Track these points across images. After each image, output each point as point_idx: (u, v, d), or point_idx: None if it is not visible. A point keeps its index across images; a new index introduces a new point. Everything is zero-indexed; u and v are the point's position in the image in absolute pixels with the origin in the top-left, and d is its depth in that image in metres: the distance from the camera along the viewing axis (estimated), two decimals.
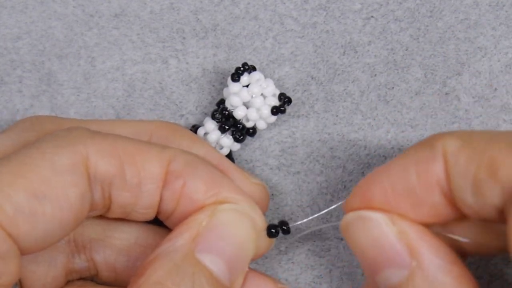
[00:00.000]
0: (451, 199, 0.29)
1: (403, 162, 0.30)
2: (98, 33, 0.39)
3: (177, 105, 0.38)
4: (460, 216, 0.29)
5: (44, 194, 0.28)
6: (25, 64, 0.39)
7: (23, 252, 0.29)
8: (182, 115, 0.38)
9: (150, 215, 0.32)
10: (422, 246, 0.29)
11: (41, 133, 0.33)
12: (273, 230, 0.32)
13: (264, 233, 0.32)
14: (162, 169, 0.31)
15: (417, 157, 0.29)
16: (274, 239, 0.33)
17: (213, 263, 0.29)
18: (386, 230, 0.30)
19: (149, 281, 0.29)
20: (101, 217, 0.33)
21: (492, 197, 0.27)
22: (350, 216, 0.31)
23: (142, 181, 0.31)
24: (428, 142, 0.29)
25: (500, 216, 0.27)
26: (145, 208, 0.31)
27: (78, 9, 0.40)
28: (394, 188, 0.30)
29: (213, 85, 0.39)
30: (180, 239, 0.30)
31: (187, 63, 0.39)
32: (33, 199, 0.28)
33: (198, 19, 0.39)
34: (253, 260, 0.33)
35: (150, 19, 0.39)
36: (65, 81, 0.39)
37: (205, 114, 0.38)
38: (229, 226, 0.31)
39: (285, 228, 0.33)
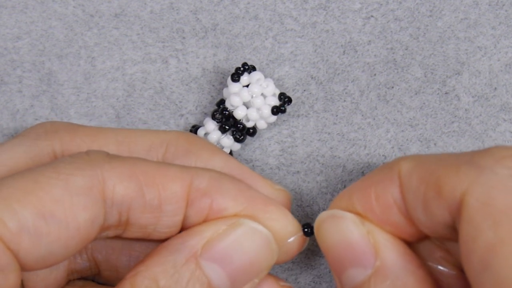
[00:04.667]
0: (410, 219, 0.29)
1: (364, 184, 0.31)
2: (98, 33, 0.39)
3: (177, 105, 0.38)
4: (425, 235, 0.30)
5: (52, 214, 0.28)
6: (25, 64, 0.39)
7: (24, 268, 0.28)
8: (182, 115, 0.38)
9: (172, 234, 0.32)
10: (387, 247, 0.30)
11: (55, 143, 0.33)
12: (307, 229, 0.32)
13: (298, 235, 0.32)
14: (184, 188, 0.30)
15: (376, 179, 0.30)
16: (306, 239, 0.33)
17: (215, 273, 0.29)
18: (354, 229, 0.30)
19: (144, 273, 0.29)
20: None
21: (441, 214, 0.28)
22: (323, 215, 0.31)
23: (163, 202, 0.30)
24: (388, 164, 0.30)
25: (453, 234, 0.28)
26: (167, 227, 0.31)
27: (78, 9, 0.40)
28: (359, 208, 0.30)
29: (213, 85, 0.39)
30: (191, 240, 0.30)
31: (187, 63, 0.39)
32: (40, 218, 0.27)
33: (198, 18, 0.39)
34: (281, 263, 0.33)
35: (150, 19, 0.39)
36: (65, 81, 0.39)
37: (205, 114, 0.38)
38: (244, 241, 0.30)
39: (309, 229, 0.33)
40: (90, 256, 0.33)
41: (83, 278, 0.34)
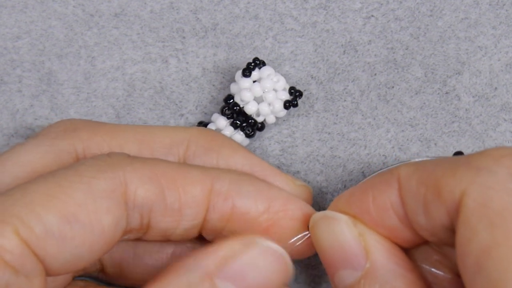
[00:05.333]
0: (407, 223, 0.29)
1: (363, 187, 0.31)
2: (98, 33, 0.39)
3: (177, 104, 0.38)
4: (422, 240, 0.30)
5: (76, 218, 0.28)
6: (24, 64, 0.39)
7: (49, 273, 0.28)
8: (182, 115, 0.38)
9: (192, 236, 0.32)
10: (378, 249, 0.30)
11: (76, 141, 0.32)
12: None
13: (302, 234, 0.32)
14: (204, 191, 0.30)
15: (375, 182, 0.30)
16: None
17: None
18: (346, 231, 0.30)
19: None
20: None
21: (440, 217, 0.28)
22: (317, 216, 0.31)
23: (183, 205, 0.30)
24: (388, 170, 0.30)
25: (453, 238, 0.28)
26: (186, 230, 0.31)
27: (78, 8, 0.40)
28: (356, 211, 0.30)
29: (213, 85, 0.39)
30: (205, 259, 0.29)
31: (187, 62, 0.39)
32: (65, 222, 0.27)
33: (198, 18, 0.39)
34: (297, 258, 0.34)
35: (150, 18, 0.39)
36: (65, 80, 0.39)
37: (205, 113, 0.38)
38: (260, 261, 0.30)
39: None
40: None
41: (87, 275, 0.34)
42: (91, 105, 0.38)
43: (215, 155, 0.33)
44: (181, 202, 0.30)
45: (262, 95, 0.36)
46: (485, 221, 0.25)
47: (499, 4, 0.39)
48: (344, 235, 0.30)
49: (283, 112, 0.37)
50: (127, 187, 0.29)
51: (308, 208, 0.32)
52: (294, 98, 0.37)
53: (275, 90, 0.36)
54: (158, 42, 0.39)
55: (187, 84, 0.39)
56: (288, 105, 0.36)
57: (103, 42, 0.39)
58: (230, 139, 0.35)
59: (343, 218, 0.30)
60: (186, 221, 0.30)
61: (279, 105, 0.36)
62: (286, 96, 0.36)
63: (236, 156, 0.33)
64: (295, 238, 0.32)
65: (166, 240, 0.32)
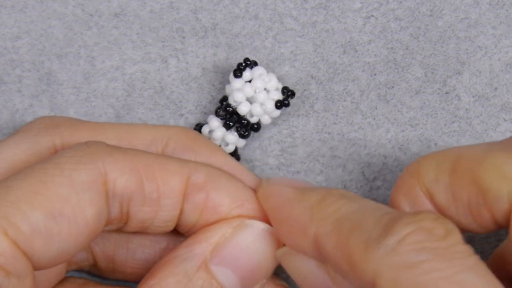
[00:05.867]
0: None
1: (286, 214, 0.31)
2: (98, 33, 0.39)
3: (176, 104, 0.38)
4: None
5: (61, 213, 0.28)
6: (24, 64, 0.39)
7: (36, 268, 0.28)
8: (182, 115, 0.38)
9: (169, 228, 0.32)
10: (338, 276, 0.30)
11: (56, 138, 0.33)
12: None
13: None
14: (182, 183, 0.31)
15: (295, 217, 0.30)
16: None
17: (226, 277, 0.29)
18: (307, 263, 0.30)
19: (160, 285, 0.29)
20: None
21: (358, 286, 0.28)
22: (280, 252, 0.31)
23: (161, 195, 0.30)
24: (309, 210, 0.30)
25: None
26: (164, 221, 0.31)
27: (77, 8, 0.40)
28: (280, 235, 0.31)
29: (213, 85, 0.39)
30: (198, 247, 0.30)
31: (186, 62, 0.39)
32: (50, 218, 0.28)
33: (198, 18, 0.39)
34: None
35: (149, 18, 0.39)
36: (65, 80, 0.39)
37: (205, 113, 0.38)
38: (251, 242, 0.30)
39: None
40: (87, 248, 0.33)
41: (80, 269, 0.34)
42: (91, 105, 0.38)
43: (193, 154, 0.33)
44: (160, 192, 0.30)
45: (253, 95, 0.36)
46: None
47: (499, 4, 0.39)
48: (308, 268, 0.31)
49: (276, 112, 0.36)
50: (107, 177, 0.29)
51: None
52: (285, 97, 0.36)
53: (266, 90, 0.36)
54: (158, 42, 0.39)
55: (187, 84, 0.39)
56: (279, 105, 0.36)
57: (102, 42, 0.39)
58: (210, 140, 0.35)
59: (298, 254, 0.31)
60: (164, 211, 0.31)
61: (271, 105, 0.36)
62: (279, 96, 0.36)
63: (214, 158, 0.34)
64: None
65: (145, 232, 0.32)
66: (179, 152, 0.33)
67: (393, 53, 0.39)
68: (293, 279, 0.31)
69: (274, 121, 0.38)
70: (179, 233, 0.33)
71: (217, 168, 0.32)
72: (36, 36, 0.39)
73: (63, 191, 0.28)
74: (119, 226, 0.31)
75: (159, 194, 0.30)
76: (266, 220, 0.32)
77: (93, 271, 0.34)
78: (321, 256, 0.29)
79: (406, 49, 0.39)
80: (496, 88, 0.38)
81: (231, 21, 0.39)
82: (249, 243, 0.30)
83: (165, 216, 0.31)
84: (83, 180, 0.29)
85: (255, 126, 0.36)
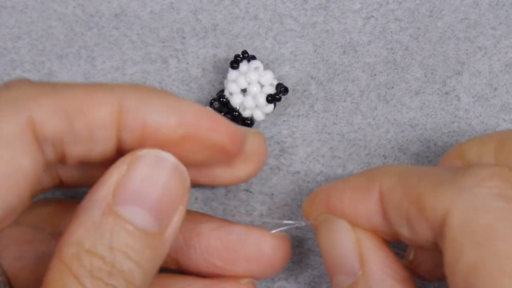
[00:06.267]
0: (387, 228, 0.30)
1: (343, 185, 0.31)
2: (98, 33, 0.39)
3: None
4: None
5: None
6: (25, 64, 0.39)
7: None
8: None
9: (109, 159, 0.30)
10: (371, 257, 0.30)
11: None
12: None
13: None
14: (112, 113, 0.29)
15: (354, 184, 0.31)
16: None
17: (135, 215, 0.28)
18: (345, 237, 0.30)
19: (68, 241, 0.27)
20: None
21: (424, 232, 0.28)
22: (321, 217, 0.31)
23: (92, 131, 0.29)
24: (369, 175, 0.30)
25: (437, 247, 0.28)
26: (102, 154, 0.30)
27: (78, 9, 0.40)
28: (331, 209, 0.31)
29: (213, 85, 0.39)
30: (99, 192, 0.28)
31: (187, 63, 0.39)
32: None
33: (198, 19, 0.39)
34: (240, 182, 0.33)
35: (150, 19, 0.39)
36: (65, 81, 0.39)
37: None
38: (149, 171, 0.29)
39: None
40: (50, 172, 0.32)
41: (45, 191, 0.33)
42: None
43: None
44: (90, 128, 0.29)
45: (247, 87, 0.36)
46: (471, 240, 0.26)
47: (498, 4, 0.39)
48: (341, 240, 0.30)
49: (269, 107, 0.36)
50: (34, 123, 0.28)
51: (222, 120, 0.30)
52: (277, 92, 0.36)
53: (260, 84, 0.36)
54: (158, 42, 0.39)
55: (187, 85, 0.39)
56: (270, 99, 0.36)
57: (103, 42, 0.39)
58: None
59: (343, 223, 0.31)
60: (99, 145, 0.29)
61: (263, 99, 0.36)
62: (272, 91, 0.36)
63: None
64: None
65: (87, 164, 0.30)
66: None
67: (393, 53, 0.39)
68: (321, 248, 0.31)
69: (274, 122, 0.38)
70: None
71: (148, 88, 0.30)
72: (36, 37, 0.39)
73: None
74: (58, 165, 0.30)
75: (90, 130, 0.29)
76: (202, 131, 0.30)
77: (61, 187, 0.33)
78: (384, 217, 0.29)
79: (406, 49, 0.39)
80: (495, 88, 0.38)
81: (231, 21, 0.39)
82: (146, 173, 0.29)
83: (102, 149, 0.29)
84: (12, 131, 0.27)
85: (248, 121, 0.36)
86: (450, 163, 0.31)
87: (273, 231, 0.34)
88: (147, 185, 0.28)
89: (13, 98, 0.28)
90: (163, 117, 0.29)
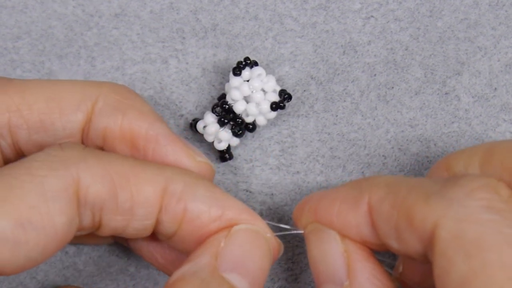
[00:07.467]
0: (375, 240, 0.30)
1: (332, 196, 0.31)
2: (98, 33, 0.39)
3: (176, 105, 0.38)
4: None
5: (30, 222, 0.27)
6: (25, 64, 0.39)
7: (1, 274, 0.28)
8: (182, 115, 0.38)
9: (144, 235, 0.31)
10: (359, 268, 0.30)
11: None
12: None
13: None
14: (158, 193, 0.30)
15: (343, 195, 0.31)
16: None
17: (239, 282, 0.29)
18: (334, 247, 0.30)
19: None
20: None
21: (413, 243, 0.28)
22: (311, 226, 0.31)
23: (135, 205, 0.29)
24: (358, 186, 0.30)
25: (427, 259, 0.28)
26: (138, 230, 0.30)
27: (78, 9, 0.40)
28: (322, 215, 0.31)
29: (213, 85, 0.39)
30: (202, 259, 0.29)
31: (187, 63, 0.39)
32: (18, 227, 0.27)
33: (198, 19, 0.39)
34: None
35: (150, 19, 0.39)
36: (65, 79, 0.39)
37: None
38: (247, 245, 0.30)
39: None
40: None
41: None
42: None
43: (120, 116, 0.32)
44: (133, 202, 0.29)
45: (250, 95, 0.36)
46: (461, 253, 0.26)
47: (498, 4, 0.39)
48: (330, 250, 0.31)
49: (272, 114, 0.36)
50: (79, 185, 0.28)
51: (260, 221, 0.31)
52: (282, 100, 0.36)
53: (264, 91, 0.36)
54: (158, 42, 0.39)
55: (187, 85, 0.39)
56: (274, 106, 0.36)
57: (103, 42, 0.39)
58: (142, 101, 0.33)
59: (332, 233, 0.31)
60: (138, 220, 0.30)
61: (267, 106, 0.36)
62: (275, 98, 0.36)
63: (141, 120, 0.32)
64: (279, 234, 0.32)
65: (119, 236, 0.31)
66: (107, 113, 0.32)
67: (393, 53, 0.39)
68: (310, 256, 0.31)
69: (274, 122, 0.38)
70: None
71: (195, 176, 0.31)
72: (36, 37, 0.39)
73: (33, 199, 0.27)
74: (91, 231, 0.30)
75: (133, 204, 0.29)
76: (250, 230, 0.31)
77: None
78: (373, 228, 0.29)
79: (406, 49, 0.39)
80: (495, 88, 0.38)
81: (231, 21, 0.39)
82: (245, 245, 0.30)
83: (139, 225, 0.30)
84: (55, 188, 0.28)
85: (250, 126, 0.36)
86: (437, 176, 0.31)
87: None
88: (246, 256, 0.30)
89: (64, 157, 0.28)
90: (205, 207, 0.30)
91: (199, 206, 0.30)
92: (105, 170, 0.29)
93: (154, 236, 0.32)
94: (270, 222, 0.36)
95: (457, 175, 0.29)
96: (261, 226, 0.31)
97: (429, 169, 0.32)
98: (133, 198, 0.29)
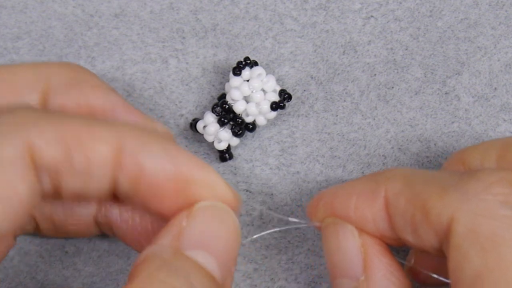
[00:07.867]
0: (391, 233, 0.30)
1: (348, 189, 0.31)
2: (98, 33, 0.39)
3: (176, 105, 0.38)
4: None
5: None
6: None
7: None
8: (182, 115, 0.38)
9: (105, 196, 0.30)
10: (375, 263, 0.30)
11: None
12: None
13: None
14: (112, 151, 0.29)
15: (360, 188, 0.30)
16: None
17: (205, 258, 0.28)
18: (351, 241, 0.30)
19: (140, 276, 0.27)
20: None
21: (428, 237, 0.28)
22: (328, 220, 0.31)
23: (91, 165, 0.29)
24: (375, 178, 0.30)
25: (442, 253, 0.28)
26: (98, 190, 0.29)
27: (78, 9, 0.40)
28: (339, 209, 0.31)
29: (213, 85, 0.39)
30: (164, 240, 0.28)
31: (187, 63, 0.39)
32: None
33: (198, 18, 0.39)
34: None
35: (150, 19, 0.39)
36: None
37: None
38: (211, 221, 0.29)
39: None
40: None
41: (25, 233, 0.34)
42: None
43: (76, 92, 0.32)
44: (88, 162, 0.29)
45: (250, 94, 0.36)
46: (476, 247, 0.26)
47: (498, 4, 0.39)
48: (347, 244, 0.30)
49: (272, 114, 0.36)
50: (33, 148, 0.28)
51: (217, 176, 0.30)
52: (282, 100, 0.36)
53: (264, 91, 0.36)
54: (158, 42, 0.39)
55: (187, 85, 0.39)
56: (274, 106, 0.36)
57: (103, 42, 0.39)
58: (93, 75, 0.33)
59: (350, 227, 0.31)
60: (96, 182, 0.29)
61: (267, 106, 0.36)
62: (275, 98, 0.36)
63: (97, 93, 0.32)
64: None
65: (82, 200, 0.30)
66: (62, 91, 0.31)
67: (393, 53, 0.39)
68: (326, 250, 0.31)
69: (274, 122, 0.38)
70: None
71: (150, 133, 0.30)
72: (36, 37, 0.39)
73: None
74: (53, 197, 0.30)
75: (88, 164, 0.28)
76: (205, 185, 0.30)
77: (38, 233, 0.33)
78: (389, 222, 0.29)
79: (406, 49, 0.39)
80: (495, 88, 0.38)
81: (231, 21, 0.39)
82: (208, 223, 0.29)
83: (98, 186, 0.29)
84: (11, 155, 0.27)
85: (250, 126, 0.36)
86: (452, 169, 0.31)
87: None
88: (210, 234, 0.29)
89: (15, 123, 0.28)
90: (161, 164, 0.29)
91: (153, 162, 0.29)
92: (57, 132, 0.28)
93: (138, 222, 0.32)
94: (275, 214, 0.36)
95: (473, 169, 0.29)
96: (220, 188, 0.30)
97: (445, 161, 0.32)
98: (88, 158, 0.28)
